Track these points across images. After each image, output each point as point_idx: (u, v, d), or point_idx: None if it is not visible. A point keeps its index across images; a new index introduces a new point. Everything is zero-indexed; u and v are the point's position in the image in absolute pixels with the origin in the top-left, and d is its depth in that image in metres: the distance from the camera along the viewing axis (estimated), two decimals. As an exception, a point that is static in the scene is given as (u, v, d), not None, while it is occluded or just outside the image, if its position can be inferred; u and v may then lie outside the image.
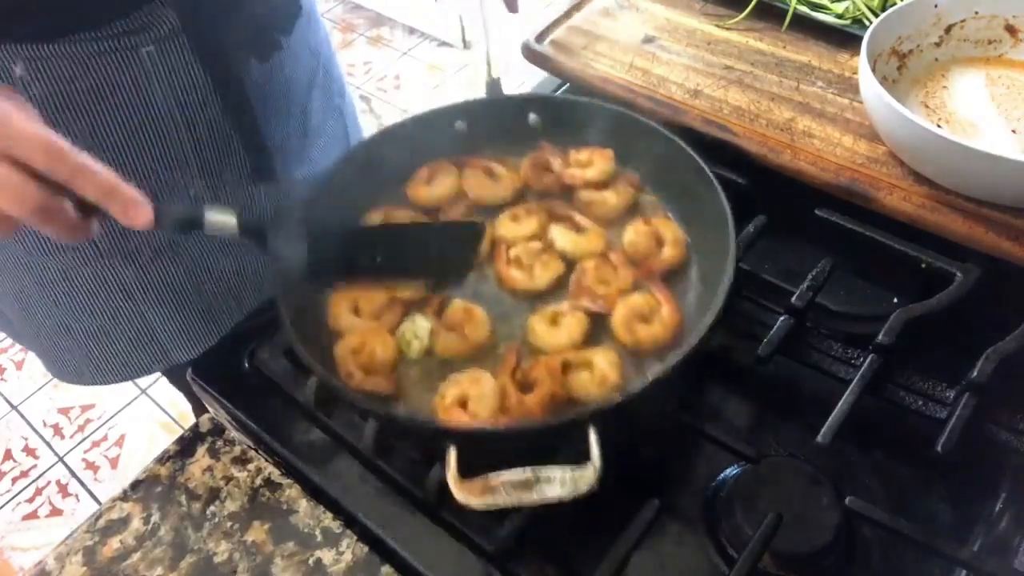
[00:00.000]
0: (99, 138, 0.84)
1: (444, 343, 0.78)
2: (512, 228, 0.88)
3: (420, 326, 0.80)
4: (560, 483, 0.63)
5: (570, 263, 0.85)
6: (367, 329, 0.80)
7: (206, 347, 0.90)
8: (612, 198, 0.89)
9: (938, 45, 0.93)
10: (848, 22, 0.99)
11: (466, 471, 0.65)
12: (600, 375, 0.73)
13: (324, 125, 1.08)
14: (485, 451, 0.71)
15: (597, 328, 0.80)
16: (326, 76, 1.08)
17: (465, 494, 0.63)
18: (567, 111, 0.95)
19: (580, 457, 0.64)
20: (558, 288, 0.84)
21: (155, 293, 0.96)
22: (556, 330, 0.78)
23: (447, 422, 0.71)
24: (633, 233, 0.85)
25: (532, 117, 0.97)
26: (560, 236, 0.86)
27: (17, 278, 0.95)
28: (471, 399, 0.73)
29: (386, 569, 0.72)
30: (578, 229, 0.87)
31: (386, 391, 0.76)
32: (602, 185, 0.91)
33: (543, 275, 0.83)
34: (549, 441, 0.71)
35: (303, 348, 0.73)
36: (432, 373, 0.78)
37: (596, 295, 0.81)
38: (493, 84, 0.97)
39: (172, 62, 0.83)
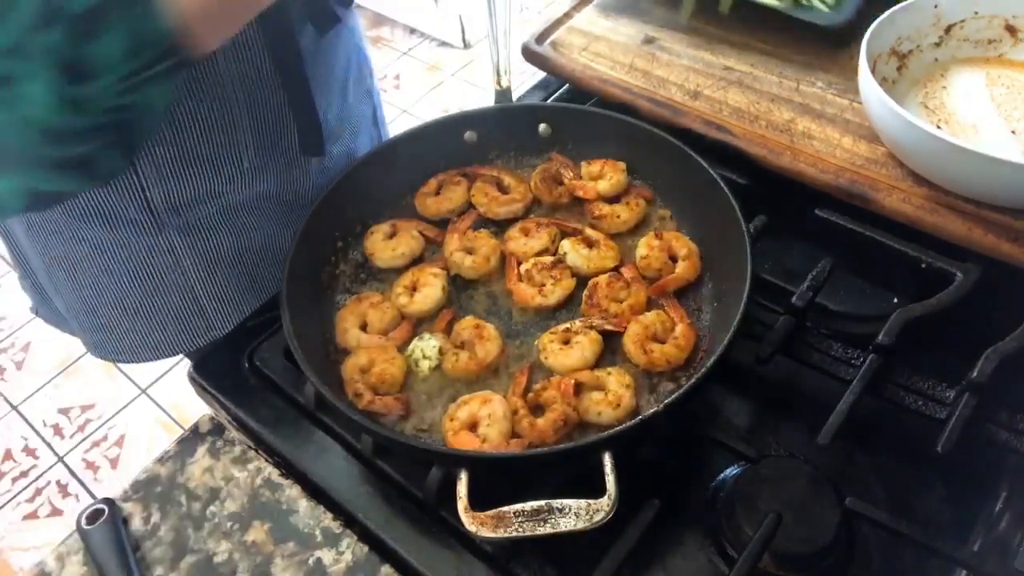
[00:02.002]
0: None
1: (454, 363, 0.77)
2: (523, 243, 0.88)
3: (429, 344, 0.80)
4: (575, 515, 0.63)
5: (582, 278, 0.85)
6: (376, 347, 0.80)
7: (245, 316, 0.91)
8: (624, 211, 0.89)
9: (938, 45, 0.93)
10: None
11: (476, 493, 0.65)
12: (614, 397, 0.73)
13: (358, 105, 1.10)
14: (497, 475, 0.71)
15: (609, 345, 0.79)
16: (359, 56, 1.11)
17: (477, 525, 0.63)
18: (578, 121, 0.95)
19: (590, 472, 0.64)
20: (569, 303, 0.84)
21: (204, 262, 0.99)
22: (569, 350, 0.77)
23: (459, 450, 0.71)
24: (646, 248, 0.85)
25: (543, 127, 0.96)
26: (571, 251, 0.86)
27: (73, 254, 0.97)
28: (481, 422, 0.72)
29: (386, 569, 0.72)
30: (589, 244, 0.87)
31: (398, 413, 0.76)
32: (614, 198, 0.91)
33: (554, 291, 0.83)
34: (562, 466, 0.71)
35: (314, 376, 0.73)
36: (441, 391, 0.78)
37: (609, 312, 0.80)
38: (503, 93, 0.97)
39: (238, 35, 0.84)
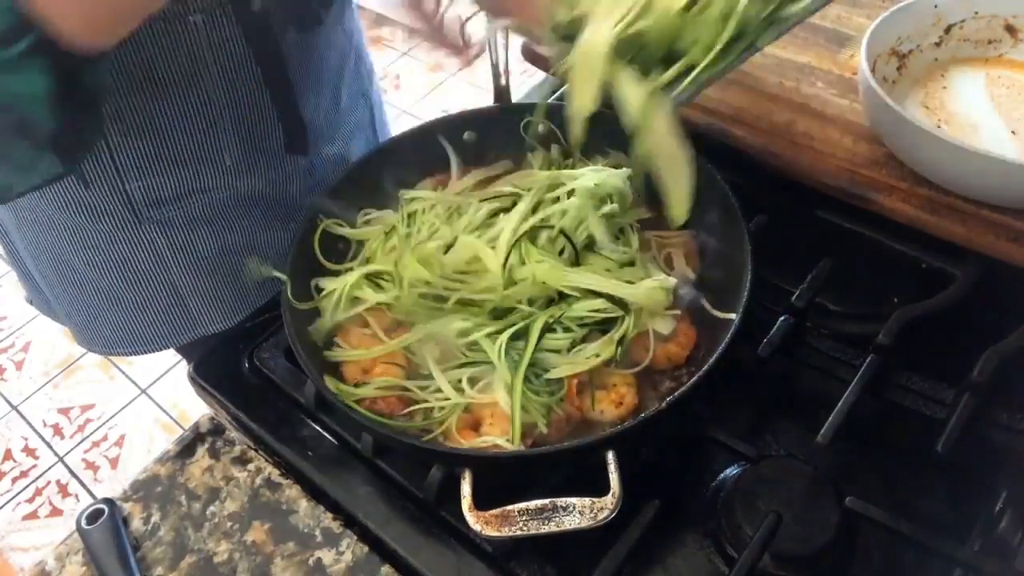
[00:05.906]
0: (143, 102, 0.85)
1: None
2: None
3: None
4: (579, 513, 0.63)
5: None
6: (376, 347, 0.79)
7: (236, 320, 0.91)
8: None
9: (938, 45, 0.93)
10: None
11: (479, 492, 0.65)
12: (617, 395, 0.73)
13: (353, 108, 1.09)
14: (499, 474, 0.71)
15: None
16: (358, 59, 1.10)
17: (482, 524, 0.63)
18: None
19: (590, 471, 0.64)
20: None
21: (185, 259, 0.98)
22: None
23: (461, 449, 0.70)
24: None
25: (542, 127, 0.96)
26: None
27: (58, 245, 0.97)
28: (484, 421, 0.72)
29: (386, 569, 0.72)
30: None
31: (398, 413, 0.75)
32: None
33: None
34: (564, 465, 0.71)
35: (315, 376, 0.73)
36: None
37: None
38: (502, 93, 0.97)
39: (218, 33, 0.84)
